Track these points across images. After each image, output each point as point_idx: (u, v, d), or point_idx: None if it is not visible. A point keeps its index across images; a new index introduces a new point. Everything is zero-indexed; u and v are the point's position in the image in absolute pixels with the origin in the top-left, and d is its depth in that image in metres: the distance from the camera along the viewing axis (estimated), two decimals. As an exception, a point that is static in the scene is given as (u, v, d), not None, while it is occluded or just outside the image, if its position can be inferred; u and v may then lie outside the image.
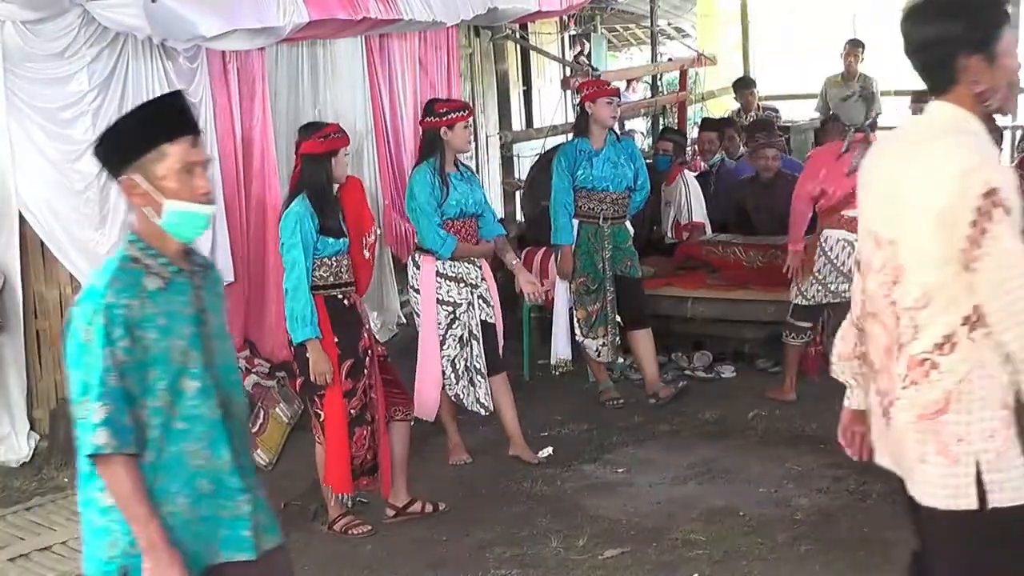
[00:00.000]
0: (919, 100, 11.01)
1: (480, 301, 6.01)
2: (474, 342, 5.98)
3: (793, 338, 6.87)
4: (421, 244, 6.00)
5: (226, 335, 3.03)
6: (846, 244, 6.63)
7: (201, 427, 2.86)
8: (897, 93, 11.88)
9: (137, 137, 2.83)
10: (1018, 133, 11.94)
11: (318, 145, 5.20)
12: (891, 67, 12.44)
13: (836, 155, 6.71)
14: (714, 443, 6.28)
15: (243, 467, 2.97)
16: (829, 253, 6.67)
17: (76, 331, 2.77)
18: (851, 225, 6.68)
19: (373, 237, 5.47)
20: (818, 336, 7.04)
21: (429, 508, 5.52)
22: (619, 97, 7.52)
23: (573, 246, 6.88)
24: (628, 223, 7.08)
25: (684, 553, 4.93)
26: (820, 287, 6.72)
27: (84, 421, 2.74)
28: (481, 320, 6.00)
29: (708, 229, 8.40)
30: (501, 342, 6.15)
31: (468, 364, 5.98)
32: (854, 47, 11.09)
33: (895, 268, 2.82)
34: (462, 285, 5.96)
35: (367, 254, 5.39)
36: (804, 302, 6.79)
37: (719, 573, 4.75)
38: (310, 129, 5.38)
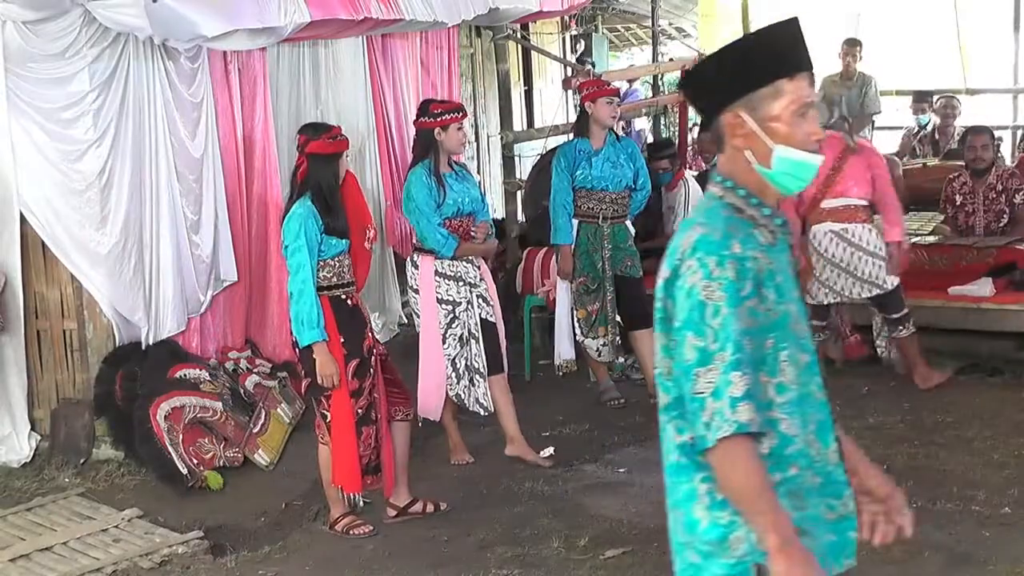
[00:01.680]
0: (920, 100, 11.05)
1: (479, 300, 6.01)
2: (473, 341, 5.98)
3: None
4: (421, 244, 6.00)
5: (803, 303, 2.59)
6: (832, 236, 6.65)
7: (811, 409, 2.45)
8: (898, 93, 11.89)
9: (753, 68, 2.43)
10: (1019, 133, 11.96)
11: (328, 146, 5.20)
12: (892, 67, 12.48)
13: None
14: (715, 443, 6.26)
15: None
16: (819, 248, 6.69)
17: (692, 289, 2.35)
18: (833, 216, 6.71)
19: (373, 230, 5.50)
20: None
21: (430, 508, 5.52)
22: (619, 97, 7.51)
23: (572, 246, 6.88)
24: (629, 222, 7.07)
25: (685, 553, 4.92)
26: (820, 285, 6.73)
27: (719, 395, 2.30)
28: (481, 319, 6.00)
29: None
30: (504, 343, 6.15)
31: (468, 364, 5.98)
32: (851, 46, 11.07)
33: None
34: (461, 284, 5.96)
35: (368, 246, 5.41)
36: (811, 301, 6.80)
37: (720, 573, 4.75)
38: (317, 129, 5.36)
